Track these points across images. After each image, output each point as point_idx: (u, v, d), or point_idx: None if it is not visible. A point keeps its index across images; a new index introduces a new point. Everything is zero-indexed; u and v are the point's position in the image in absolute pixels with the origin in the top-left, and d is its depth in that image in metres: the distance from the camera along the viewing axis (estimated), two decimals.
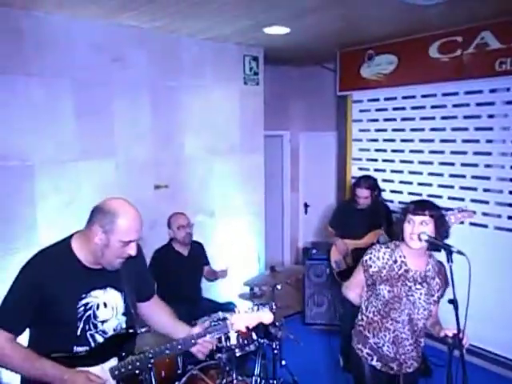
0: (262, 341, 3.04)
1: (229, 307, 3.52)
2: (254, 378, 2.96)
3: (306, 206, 6.27)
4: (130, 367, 1.82)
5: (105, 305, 1.83)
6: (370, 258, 2.30)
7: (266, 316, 1.86)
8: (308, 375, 3.65)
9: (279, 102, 5.78)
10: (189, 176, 4.26)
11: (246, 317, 1.85)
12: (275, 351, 3.10)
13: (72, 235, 1.83)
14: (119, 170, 3.79)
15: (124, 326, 1.90)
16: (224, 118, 4.47)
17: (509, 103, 3.69)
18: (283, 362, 3.22)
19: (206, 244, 3.96)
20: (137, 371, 1.97)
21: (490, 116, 3.82)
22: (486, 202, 3.87)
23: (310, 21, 3.54)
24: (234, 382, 2.71)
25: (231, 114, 4.53)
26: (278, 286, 3.25)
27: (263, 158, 4.88)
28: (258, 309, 1.88)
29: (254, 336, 2.99)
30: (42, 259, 1.76)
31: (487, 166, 3.87)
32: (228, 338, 2.84)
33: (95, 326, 1.81)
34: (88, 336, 1.79)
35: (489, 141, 3.84)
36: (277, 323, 3.09)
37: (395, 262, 2.25)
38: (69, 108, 3.48)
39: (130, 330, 1.88)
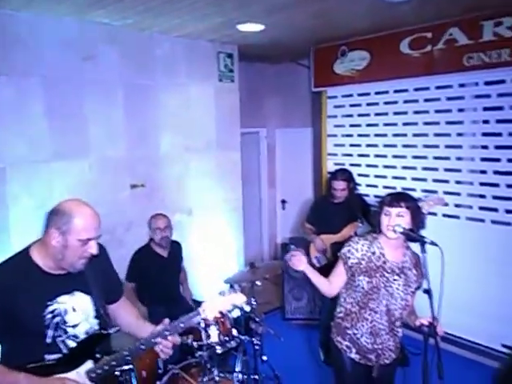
0: (242, 337, 3.05)
1: None
2: (235, 374, 2.96)
3: (283, 202, 6.31)
4: (106, 368, 1.79)
5: (73, 309, 1.80)
6: (349, 251, 2.34)
7: (238, 297, 1.82)
8: (289, 369, 3.68)
9: (255, 98, 5.79)
10: (165, 174, 4.23)
11: (218, 301, 1.80)
12: (256, 347, 3.11)
13: (30, 245, 1.80)
14: (93, 170, 3.73)
15: (96, 328, 1.88)
16: (200, 116, 4.45)
17: (477, 97, 3.79)
18: (264, 358, 3.23)
19: (185, 242, 3.95)
20: (116, 372, 1.95)
21: (460, 110, 3.92)
22: (458, 194, 3.98)
23: (283, 17, 3.56)
24: (216, 379, 2.71)
25: (207, 111, 4.51)
26: (258, 282, 3.26)
27: (240, 155, 4.88)
28: (230, 292, 1.83)
29: (235, 332, 3.00)
30: (0, 274, 1.72)
31: (458, 158, 3.97)
32: (209, 336, 2.83)
33: (65, 332, 1.78)
34: (59, 342, 1.76)
35: (459, 134, 3.94)
36: (257, 319, 3.10)
37: (373, 253, 2.29)
38: (39, 107, 3.40)
39: (103, 331, 1.86)
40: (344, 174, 3.96)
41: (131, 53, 3.88)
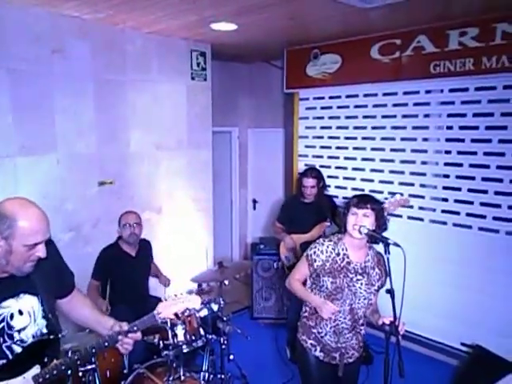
0: (209, 336, 3.06)
1: None
2: (202, 373, 2.97)
3: (254, 201, 6.34)
4: (54, 372, 1.73)
5: (20, 312, 1.72)
6: (315, 253, 2.38)
7: (193, 300, 1.87)
8: (256, 368, 3.71)
9: (228, 98, 5.79)
10: (135, 172, 4.18)
11: (173, 304, 1.84)
12: (223, 346, 3.12)
13: None
14: (61, 166, 3.65)
15: (44, 330, 1.80)
16: (171, 114, 4.42)
17: (443, 103, 3.92)
18: (231, 357, 3.24)
19: (154, 241, 3.91)
20: (80, 372, 1.91)
21: (426, 115, 4.04)
22: (422, 197, 4.10)
23: (257, 18, 3.57)
24: (182, 378, 2.71)
25: (178, 109, 4.48)
26: (226, 282, 3.26)
27: (211, 154, 4.87)
28: (187, 294, 1.89)
29: (202, 332, 3.00)
30: None
31: (423, 162, 4.10)
32: (175, 335, 2.83)
33: (11, 337, 1.70)
34: (4, 348, 1.69)
35: (425, 139, 4.06)
36: (224, 318, 3.11)
37: (338, 254, 2.35)
38: (5, 101, 3.30)
39: (51, 336, 1.79)
40: (314, 172, 4.02)
41: (102, 47, 3.81)
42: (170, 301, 1.84)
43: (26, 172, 3.44)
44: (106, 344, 1.81)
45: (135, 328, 1.83)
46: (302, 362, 2.52)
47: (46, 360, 1.75)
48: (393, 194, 4.16)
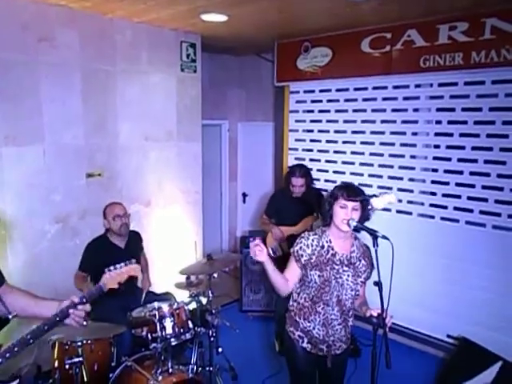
0: (198, 329, 3.05)
1: (166, 297, 3.49)
2: (190, 366, 2.96)
3: (244, 195, 6.33)
4: (7, 355, 1.75)
5: None
6: (301, 248, 2.37)
7: (134, 268, 2.10)
8: (244, 360, 3.72)
9: (218, 90, 5.75)
10: (123, 164, 4.13)
11: (116, 274, 2.05)
12: (212, 339, 3.11)
13: None
14: (48, 157, 3.59)
15: None
16: (160, 105, 4.37)
17: (432, 98, 3.93)
18: (220, 349, 3.24)
19: (142, 233, 3.87)
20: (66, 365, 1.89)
21: (415, 110, 4.05)
22: (411, 191, 4.13)
23: (247, 10, 3.55)
24: (170, 370, 2.70)
25: (168, 100, 4.44)
26: (215, 275, 3.25)
27: (201, 147, 4.84)
28: (126, 264, 2.09)
29: (191, 324, 2.99)
30: None
31: (412, 156, 4.12)
32: (164, 328, 2.81)
33: None
34: None
35: (414, 133, 4.08)
36: (213, 311, 3.11)
37: (322, 247, 2.34)
38: None
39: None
40: (302, 171, 4.01)
41: (91, 37, 3.75)
42: (113, 272, 2.05)
43: (11, 162, 3.39)
44: (58, 319, 1.85)
45: (84, 300, 1.91)
46: (290, 354, 2.53)
47: None
48: (382, 187, 4.23)
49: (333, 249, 2.34)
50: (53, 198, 3.65)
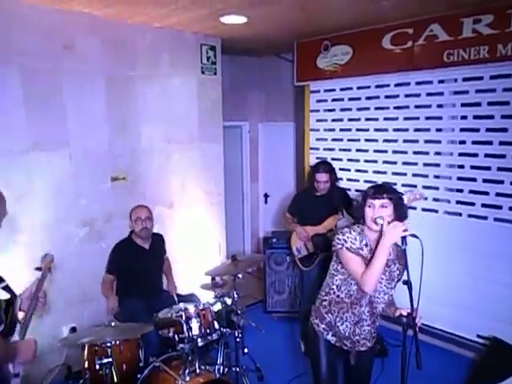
0: (224, 330, 3.06)
1: (191, 299, 3.52)
2: (217, 366, 2.97)
3: (265, 196, 6.32)
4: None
5: None
6: (351, 241, 2.27)
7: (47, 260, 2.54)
8: (270, 361, 3.71)
9: (238, 92, 5.76)
10: (146, 167, 4.18)
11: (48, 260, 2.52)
12: (237, 339, 3.12)
13: None
14: (73, 162, 3.67)
15: None
16: (182, 108, 4.41)
17: (456, 93, 3.85)
18: (246, 350, 3.24)
19: (166, 236, 3.93)
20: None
21: (440, 106, 3.97)
22: (437, 188, 4.05)
23: (267, 11, 3.54)
24: (197, 371, 2.71)
25: (189, 103, 4.47)
26: (240, 275, 3.26)
27: (222, 148, 4.86)
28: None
29: (217, 325, 3.01)
30: None
31: (437, 153, 4.03)
32: (190, 329, 2.83)
33: None
34: None
35: (438, 129, 4.00)
36: (238, 312, 3.11)
37: (366, 245, 2.29)
38: (17, 97, 3.31)
39: None
40: (326, 166, 3.99)
41: (113, 43, 3.81)
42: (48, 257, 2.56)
43: (38, 168, 3.47)
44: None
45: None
46: (313, 346, 2.48)
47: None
48: (406, 185, 4.16)
49: (372, 250, 2.26)
50: (79, 201, 3.72)
